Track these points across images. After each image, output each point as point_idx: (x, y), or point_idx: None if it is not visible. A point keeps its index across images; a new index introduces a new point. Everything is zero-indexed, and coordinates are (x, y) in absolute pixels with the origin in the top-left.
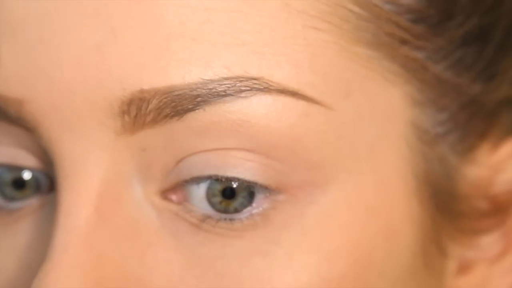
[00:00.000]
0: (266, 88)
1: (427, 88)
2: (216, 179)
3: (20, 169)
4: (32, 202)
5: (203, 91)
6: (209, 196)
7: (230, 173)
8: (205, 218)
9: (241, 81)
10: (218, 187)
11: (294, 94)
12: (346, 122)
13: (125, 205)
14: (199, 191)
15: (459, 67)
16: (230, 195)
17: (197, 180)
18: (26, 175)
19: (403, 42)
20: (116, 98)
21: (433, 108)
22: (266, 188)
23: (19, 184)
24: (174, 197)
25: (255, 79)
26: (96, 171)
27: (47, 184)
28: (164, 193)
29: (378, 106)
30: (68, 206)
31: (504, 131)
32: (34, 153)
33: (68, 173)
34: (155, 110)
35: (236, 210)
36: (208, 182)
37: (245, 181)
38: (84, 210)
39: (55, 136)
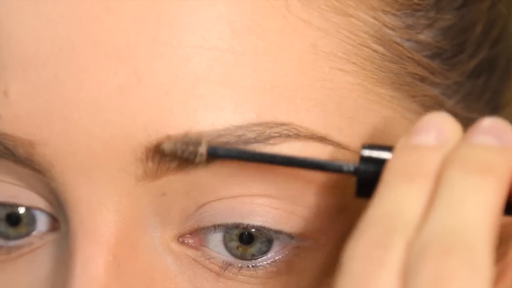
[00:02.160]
0: (296, 134)
1: None
2: (242, 227)
3: (16, 206)
4: (30, 241)
5: (232, 137)
6: (226, 241)
7: (256, 222)
8: (227, 265)
9: (270, 127)
10: (236, 231)
11: (322, 139)
12: None
13: (142, 251)
14: (217, 235)
15: (469, 99)
16: (248, 240)
17: (219, 227)
18: (21, 210)
19: (422, 79)
20: (139, 144)
21: None
22: (290, 236)
23: (14, 219)
24: (191, 241)
25: (284, 125)
26: (114, 217)
27: (46, 222)
28: (181, 237)
29: None
30: (85, 253)
31: None
32: (39, 193)
33: (84, 219)
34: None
35: (253, 257)
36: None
37: (271, 229)
38: (103, 258)
39: (70, 180)
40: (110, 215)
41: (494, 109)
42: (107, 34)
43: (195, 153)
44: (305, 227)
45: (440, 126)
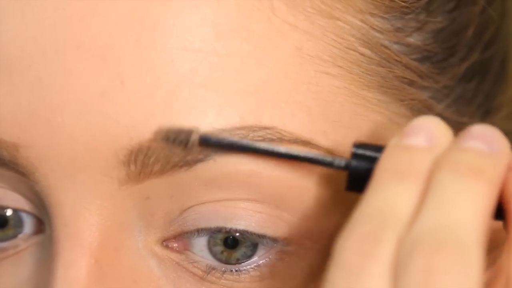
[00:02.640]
0: (279, 139)
1: None
2: (225, 231)
3: (3, 208)
4: (16, 243)
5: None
6: (210, 245)
7: (239, 226)
8: (210, 269)
9: (254, 131)
10: (220, 236)
11: (306, 143)
12: None
13: (125, 254)
14: (201, 239)
15: (460, 103)
16: (233, 245)
17: (202, 231)
18: (9, 212)
19: (410, 83)
20: (122, 147)
21: None
22: (274, 240)
23: (1, 222)
24: (175, 245)
25: (268, 128)
26: (97, 220)
27: (32, 224)
28: (165, 241)
29: None
30: (68, 256)
31: None
32: (24, 196)
33: (67, 222)
34: (163, 160)
35: (238, 261)
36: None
37: (255, 233)
38: (85, 261)
39: (53, 183)
40: (93, 219)
41: (486, 113)
42: (91, 37)
43: (187, 141)
44: (289, 231)
45: (431, 129)
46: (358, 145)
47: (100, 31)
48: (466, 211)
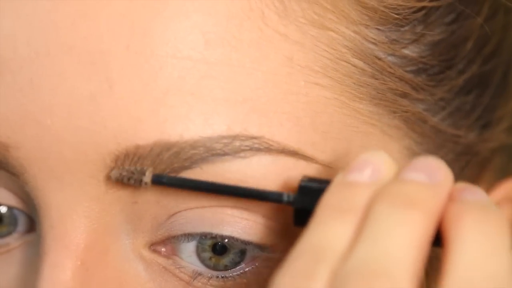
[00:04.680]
0: (267, 148)
1: (425, 140)
2: (211, 237)
3: None
4: (8, 241)
5: (201, 149)
6: (199, 251)
7: (225, 232)
8: (196, 275)
9: (241, 140)
10: (209, 242)
11: (294, 154)
12: None
13: (112, 257)
14: (189, 244)
15: (457, 116)
16: (221, 251)
17: (189, 236)
18: (3, 209)
19: (404, 95)
20: (109, 152)
21: None
22: (260, 247)
23: None
24: (163, 249)
25: (255, 138)
26: (84, 223)
27: (25, 222)
28: (153, 245)
29: None
30: (54, 257)
31: (496, 175)
32: (17, 194)
33: (54, 223)
34: (149, 166)
35: (226, 267)
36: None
37: (240, 240)
38: (71, 263)
39: (42, 184)
40: (80, 221)
41: (486, 126)
42: (82, 40)
43: (140, 181)
44: (275, 239)
45: (375, 164)
46: (306, 180)
47: (91, 35)
48: (398, 243)
